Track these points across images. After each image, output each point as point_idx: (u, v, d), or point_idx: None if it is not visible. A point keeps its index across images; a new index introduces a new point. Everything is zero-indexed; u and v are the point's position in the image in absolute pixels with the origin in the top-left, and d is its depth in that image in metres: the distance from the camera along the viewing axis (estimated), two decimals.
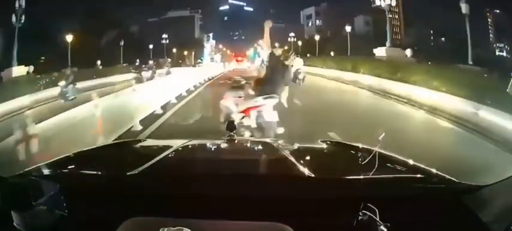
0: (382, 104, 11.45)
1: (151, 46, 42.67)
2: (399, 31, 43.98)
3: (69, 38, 28.57)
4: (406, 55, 22.33)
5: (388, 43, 26.41)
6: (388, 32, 28.14)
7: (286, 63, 5.12)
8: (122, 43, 37.22)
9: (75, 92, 13.60)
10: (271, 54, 5.26)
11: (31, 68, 21.71)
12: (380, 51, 25.03)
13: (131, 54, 35.27)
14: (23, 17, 23.97)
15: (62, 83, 13.79)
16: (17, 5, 24.04)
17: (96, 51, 32.45)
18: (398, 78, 13.64)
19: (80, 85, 15.13)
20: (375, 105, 11.26)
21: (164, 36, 44.85)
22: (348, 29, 36.68)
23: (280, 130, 4.91)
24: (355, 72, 18.31)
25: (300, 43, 43.48)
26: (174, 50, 44.66)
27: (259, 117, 4.96)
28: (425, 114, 9.20)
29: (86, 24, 33.39)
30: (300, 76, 6.45)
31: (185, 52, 44.75)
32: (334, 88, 16.19)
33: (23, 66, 21.82)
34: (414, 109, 9.94)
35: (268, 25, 5.45)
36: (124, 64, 31.41)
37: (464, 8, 23.85)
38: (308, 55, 35.56)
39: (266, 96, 4.87)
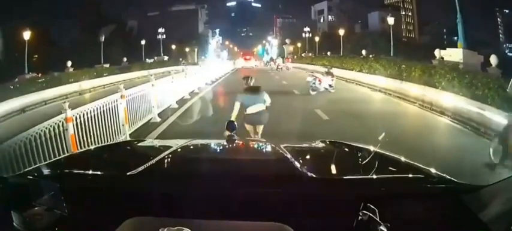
0: None
1: (143, 42, 38.15)
2: (413, 29, 43.16)
3: (26, 34, 23.37)
4: (491, 65, 13.13)
5: (462, 43, 18.59)
6: (460, 28, 19.89)
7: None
8: (103, 39, 32.05)
9: None
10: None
11: None
12: (452, 54, 17.17)
13: (118, 52, 31.36)
14: None
15: None
16: None
17: (70, 50, 27.51)
18: None
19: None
20: None
21: (160, 30, 40.68)
22: (391, 21, 29.34)
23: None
24: (430, 86, 11.02)
25: (317, 39, 41.11)
26: (173, 46, 41.07)
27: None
28: None
29: (57, 17, 28.40)
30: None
31: (187, 49, 41.70)
32: None
33: None
34: None
35: None
36: (105, 65, 27.10)
37: None
38: (329, 53, 32.60)
39: None
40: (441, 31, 39.04)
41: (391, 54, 25.31)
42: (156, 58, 38.48)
